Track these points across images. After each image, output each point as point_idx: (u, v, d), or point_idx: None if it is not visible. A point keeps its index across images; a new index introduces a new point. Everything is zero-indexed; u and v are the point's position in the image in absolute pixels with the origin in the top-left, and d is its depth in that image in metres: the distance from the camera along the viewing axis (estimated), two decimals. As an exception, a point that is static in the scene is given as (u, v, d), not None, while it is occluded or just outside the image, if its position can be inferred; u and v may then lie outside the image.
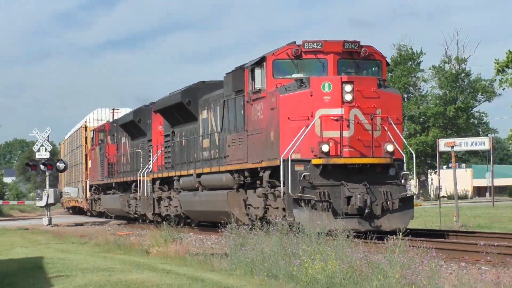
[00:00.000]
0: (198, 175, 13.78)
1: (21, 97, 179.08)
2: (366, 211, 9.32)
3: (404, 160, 10.26)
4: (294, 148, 9.66)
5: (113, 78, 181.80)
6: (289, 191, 9.45)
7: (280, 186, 9.81)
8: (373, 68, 10.83)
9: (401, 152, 10.10)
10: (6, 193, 48.04)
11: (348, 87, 9.60)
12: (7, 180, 65.58)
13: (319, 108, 9.70)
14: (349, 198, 9.40)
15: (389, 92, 10.64)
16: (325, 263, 4.60)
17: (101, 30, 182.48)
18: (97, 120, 27.01)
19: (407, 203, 9.91)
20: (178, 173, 15.24)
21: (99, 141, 24.04)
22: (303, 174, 9.39)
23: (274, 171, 10.19)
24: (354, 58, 10.61)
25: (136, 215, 19.24)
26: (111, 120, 25.08)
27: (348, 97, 9.62)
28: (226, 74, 12.81)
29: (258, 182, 11.20)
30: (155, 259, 8.02)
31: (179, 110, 15.12)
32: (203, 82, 15.34)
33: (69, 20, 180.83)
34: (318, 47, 10.38)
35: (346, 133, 9.69)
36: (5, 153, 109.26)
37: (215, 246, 10.47)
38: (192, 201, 14.32)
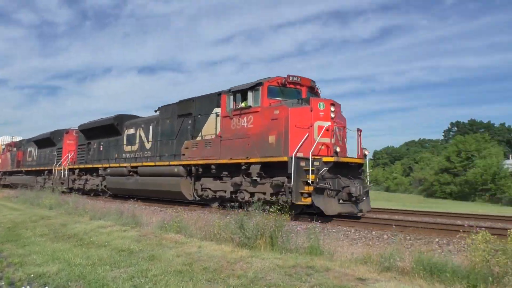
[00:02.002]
0: (134, 167, 19.85)
1: None
2: (358, 198, 12.38)
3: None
4: (298, 148, 12.22)
5: None
6: (297, 182, 11.87)
7: (280, 177, 12.73)
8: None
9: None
10: None
11: (332, 108, 13.09)
12: None
13: (316, 120, 12.77)
14: (343, 188, 12.29)
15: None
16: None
17: None
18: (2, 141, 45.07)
19: (367, 192, 13.48)
20: (104, 165, 22.71)
21: (9, 149, 39.17)
22: (324, 169, 11.87)
23: (267, 166, 13.07)
24: (312, 91, 14.40)
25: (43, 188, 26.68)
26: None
27: (332, 115, 13.06)
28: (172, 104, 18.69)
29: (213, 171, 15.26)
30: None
31: (109, 128, 22.62)
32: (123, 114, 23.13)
33: None
34: (298, 80, 13.86)
35: (332, 140, 12.93)
36: None
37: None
38: (125, 183, 20.26)
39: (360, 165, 13.27)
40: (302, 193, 12.23)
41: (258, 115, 13.50)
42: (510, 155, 71.35)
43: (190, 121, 16.97)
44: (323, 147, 12.74)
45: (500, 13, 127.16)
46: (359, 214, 12.95)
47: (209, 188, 15.56)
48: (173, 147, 17.79)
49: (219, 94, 15.71)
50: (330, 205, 11.92)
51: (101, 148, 23.49)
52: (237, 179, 14.18)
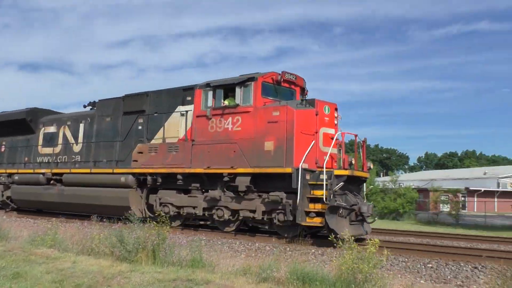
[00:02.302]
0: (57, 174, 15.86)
1: None
2: (365, 218, 10.73)
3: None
4: (304, 158, 10.25)
5: None
6: (300, 197, 9.89)
7: (276, 192, 10.68)
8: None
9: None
10: None
11: (336, 113, 11.38)
12: None
13: (322, 126, 10.92)
14: (351, 206, 10.54)
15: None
16: None
17: None
18: None
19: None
20: (9, 170, 17.95)
21: None
22: (340, 184, 10.01)
23: (256, 178, 10.89)
24: (303, 92, 12.58)
25: None
26: None
27: (336, 121, 11.35)
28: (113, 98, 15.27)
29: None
30: None
31: (17, 124, 17.83)
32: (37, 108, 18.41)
33: None
34: (293, 79, 11.92)
35: (336, 150, 11.21)
36: None
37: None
38: (42, 194, 16.06)
39: (364, 180, 11.67)
40: (308, 212, 10.18)
41: (249, 116, 11.13)
42: (381, 173, 77.57)
43: (142, 121, 13.85)
44: (327, 158, 10.88)
45: (380, 46, 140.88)
46: (364, 236, 11.25)
47: (171, 203, 12.61)
48: (115, 151, 14.39)
49: (187, 89, 12.99)
50: (343, 227, 10.04)
51: (3, 149, 18.63)
52: (215, 193, 11.57)
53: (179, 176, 12.25)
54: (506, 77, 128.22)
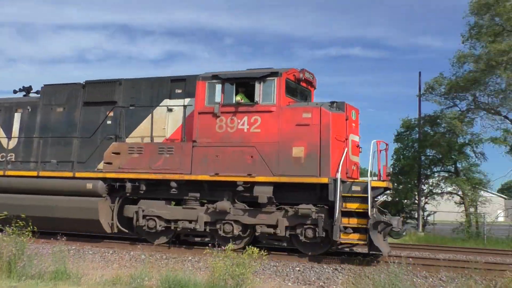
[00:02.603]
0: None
1: None
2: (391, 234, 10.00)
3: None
4: (340, 167, 9.22)
5: None
6: (339, 211, 8.87)
7: (304, 204, 9.43)
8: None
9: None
10: None
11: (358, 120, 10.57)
12: None
13: (350, 133, 9.94)
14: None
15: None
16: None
17: None
18: None
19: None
20: None
21: None
22: (383, 197, 9.11)
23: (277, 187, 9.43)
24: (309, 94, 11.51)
25: None
26: None
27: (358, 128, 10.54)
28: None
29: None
30: None
31: None
32: None
33: None
34: (311, 78, 10.80)
35: (358, 159, 10.39)
36: None
37: None
38: None
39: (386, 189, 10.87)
40: (344, 228, 9.07)
41: (271, 116, 9.61)
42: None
43: (113, 114, 11.33)
44: (354, 168, 9.95)
45: (268, 60, 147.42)
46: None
47: (158, 216, 10.39)
48: (71, 149, 11.55)
49: (176, 79, 11.04)
50: (385, 245, 9.16)
51: None
52: (224, 205, 9.78)
53: (173, 184, 10.15)
54: (371, 99, 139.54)
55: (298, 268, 8.60)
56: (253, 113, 9.76)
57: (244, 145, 9.68)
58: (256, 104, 9.76)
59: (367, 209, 8.96)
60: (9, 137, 12.26)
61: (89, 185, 10.73)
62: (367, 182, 9.21)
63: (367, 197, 9.04)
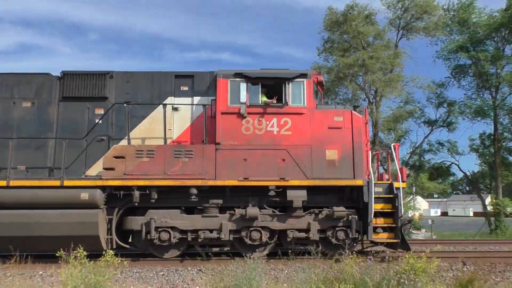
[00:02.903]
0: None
1: None
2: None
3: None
4: (370, 169, 9.67)
5: None
6: (371, 212, 9.36)
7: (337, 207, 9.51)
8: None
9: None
10: None
11: (365, 122, 11.09)
12: None
13: (367, 136, 10.38)
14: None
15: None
16: None
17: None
18: None
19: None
20: None
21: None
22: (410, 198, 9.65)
23: (315, 190, 9.43)
24: None
25: None
26: None
27: (363, 130, 11.07)
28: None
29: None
30: None
31: None
32: None
33: None
34: (322, 81, 10.97)
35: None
36: None
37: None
38: None
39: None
40: (375, 228, 9.43)
41: (302, 118, 9.47)
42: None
43: (103, 112, 9.84)
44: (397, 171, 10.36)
45: (136, 60, 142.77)
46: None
47: (172, 227, 9.31)
48: (47, 153, 9.65)
49: (181, 76, 10.12)
50: (407, 242, 9.73)
51: None
52: (254, 211, 9.27)
53: (193, 191, 9.22)
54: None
55: (162, 273, 8.50)
56: (282, 114, 9.47)
57: (275, 148, 9.32)
58: (285, 105, 9.49)
59: (392, 209, 9.48)
60: None
61: (84, 195, 9.06)
62: (388, 183, 9.76)
63: (390, 197, 9.58)
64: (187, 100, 9.94)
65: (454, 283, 7.60)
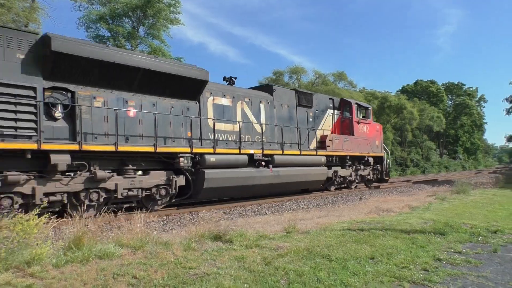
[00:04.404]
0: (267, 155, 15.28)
1: None
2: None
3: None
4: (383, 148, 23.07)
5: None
6: (388, 166, 22.99)
7: (379, 164, 22.46)
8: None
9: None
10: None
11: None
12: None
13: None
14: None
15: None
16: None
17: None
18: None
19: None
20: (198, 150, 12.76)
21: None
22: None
23: (375, 158, 22.00)
24: None
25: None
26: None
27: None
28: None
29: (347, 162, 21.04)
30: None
31: (173, 86, 12.77)
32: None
33: None
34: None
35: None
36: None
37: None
38: (255, 177, 14.48)
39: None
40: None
41: (370, 126, 21.49)
42: None
43: (311, 114, 18.32)
44: (368, 148, 23.62)
45: None
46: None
47: (340, 175, 19.33)
48: (294, 136, 17.18)
49: (331, 98, 19.82)
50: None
51: (141, 119, 11.75)
52: (358, 166, 20.56)
53: (348, 157, 19.50)
54: None
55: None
56: (366, 124, 21.03)
57: (366, 138, 20.83)
58: (368, 119, 21.12)
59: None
60: (258, 122, 15.49)
61: (323, 159, 17.61)
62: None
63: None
64: (333, 111, 19.66)
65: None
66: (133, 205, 11.42)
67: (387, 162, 22.72)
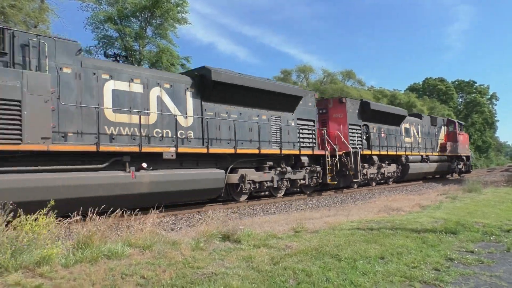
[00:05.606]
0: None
1: None
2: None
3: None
4: None
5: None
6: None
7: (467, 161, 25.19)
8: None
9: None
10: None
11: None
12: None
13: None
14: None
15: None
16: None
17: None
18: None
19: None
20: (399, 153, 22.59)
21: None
22: None
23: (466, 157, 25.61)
24: None
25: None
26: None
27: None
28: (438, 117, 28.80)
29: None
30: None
31: (395, 118, 23.00)
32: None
33: None
34: None
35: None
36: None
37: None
38: (422, 168, 24.52)
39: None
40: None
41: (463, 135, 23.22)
42: None
43: (436, 130, 27.23)
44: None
45: None
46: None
47: (456, 166, 28.23)
48: (429, 144, 25.66)
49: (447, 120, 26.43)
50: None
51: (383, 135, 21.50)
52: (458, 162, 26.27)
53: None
54: None
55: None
56: (461, 134, 22.97)
57: (462, 144, 21.90)
58: (462, 131, 22.29)
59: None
60: (420, 137, 24.04)
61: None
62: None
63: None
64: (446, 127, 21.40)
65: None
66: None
67: (471, 160, 30.59)
